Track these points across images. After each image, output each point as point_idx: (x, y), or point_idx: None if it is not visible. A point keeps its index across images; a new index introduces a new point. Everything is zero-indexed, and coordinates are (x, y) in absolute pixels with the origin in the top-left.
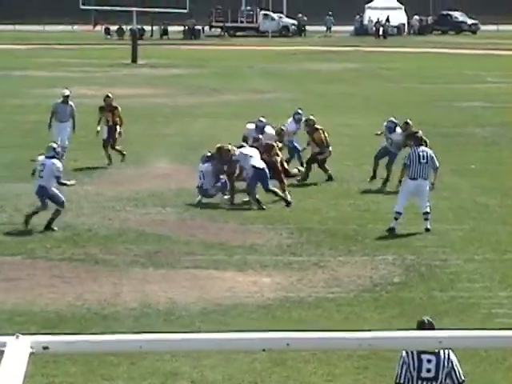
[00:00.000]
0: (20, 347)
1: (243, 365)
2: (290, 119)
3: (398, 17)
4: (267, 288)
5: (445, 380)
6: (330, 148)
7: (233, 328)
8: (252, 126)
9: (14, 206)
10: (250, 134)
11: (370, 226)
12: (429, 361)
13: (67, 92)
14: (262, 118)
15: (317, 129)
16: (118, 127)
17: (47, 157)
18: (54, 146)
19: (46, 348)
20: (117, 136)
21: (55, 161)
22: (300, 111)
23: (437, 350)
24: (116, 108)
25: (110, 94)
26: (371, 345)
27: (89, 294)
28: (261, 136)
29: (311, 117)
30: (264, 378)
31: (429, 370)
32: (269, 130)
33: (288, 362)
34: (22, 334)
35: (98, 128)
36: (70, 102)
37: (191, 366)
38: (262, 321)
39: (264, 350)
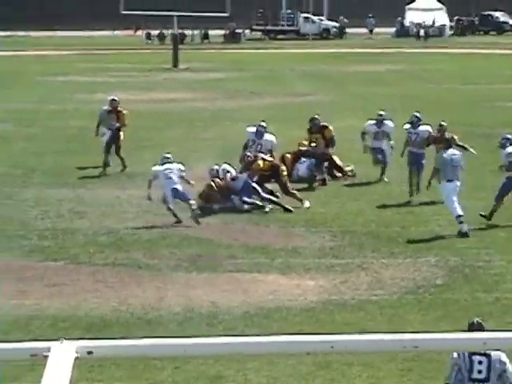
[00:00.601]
0: (65, 352)
1: (287, 368)
2: (371, 121)
3: (440, 18)
4: (310, 291)
5: (496, 381)
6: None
7: (276, 331)
8: (252, 129)
9: (57, 211)
10: (250, 138)
11: (412, 228)
12: (480, 362)
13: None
14: (262, 123)
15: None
16: (121, 133)
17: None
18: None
19: (90, 353)
20: (120, 142)
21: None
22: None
23: (488, 352)
24: (121, 112)
25: (116, 98)
26: (416, 347)
27: (132, 298)
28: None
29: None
30: (308, 381)
31: (480, 372)
32: (268, 136)
33: (332, 365)
34: (67, 339)
35: (98, 132)
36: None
37: (235, 369)
38: (305, 324)
39: (308, 354)
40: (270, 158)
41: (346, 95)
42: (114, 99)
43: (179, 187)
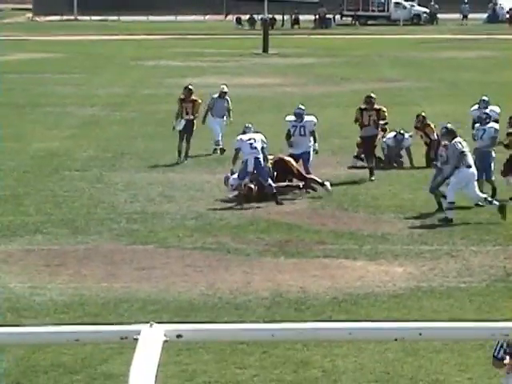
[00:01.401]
0: (154, 335)
1: (375, 354)
2: (475, 106)
3: None
4: (398, 277)
5: None
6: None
7: (364, 317)
8: (291, 117)
9: (147, 195)
10: (291, 125)
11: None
12: None
13: (226, 88)
14: (301, 106)
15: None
16: (195, 121)
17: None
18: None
19: (179, 336)
20: (193, 132)
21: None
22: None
23: None
24: (196, 100)
25: (190, 86)
26: (506, 335)
27: (220, 282)
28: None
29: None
30: (396, 367)
31: None
32: (309, 117)
33: (420, 352)
34: (156, 322)
35: (174, 122)
36: (227, 97)
37: (322, 354)
38: (393, 310)
39: (396, 340)
40: (270, 156)
41: (436, 81)
42: (189, 88)
43: (261, 159)
